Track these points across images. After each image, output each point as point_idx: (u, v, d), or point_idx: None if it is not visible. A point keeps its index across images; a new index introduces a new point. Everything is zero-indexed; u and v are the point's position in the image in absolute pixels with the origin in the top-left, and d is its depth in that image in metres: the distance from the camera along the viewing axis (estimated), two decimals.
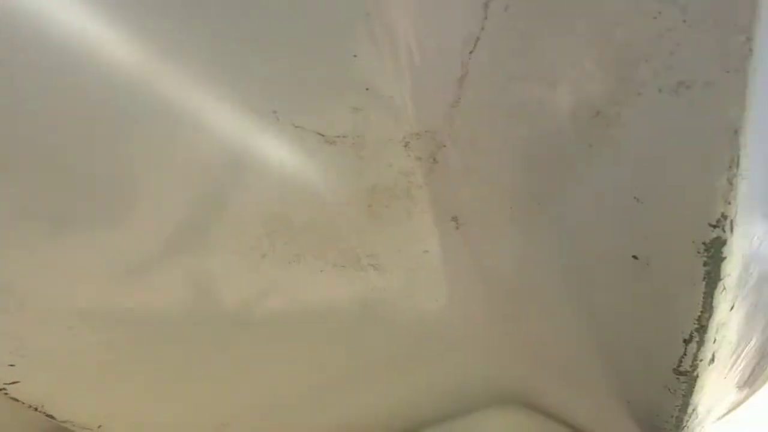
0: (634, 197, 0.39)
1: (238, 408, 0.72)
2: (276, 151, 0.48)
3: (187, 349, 0.67)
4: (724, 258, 0.38)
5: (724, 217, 0.36)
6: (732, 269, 0.40)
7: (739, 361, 0.66)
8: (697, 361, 0.48)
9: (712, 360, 0.50)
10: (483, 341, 0.74)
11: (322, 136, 0.48)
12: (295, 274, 0.57)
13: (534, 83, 0.39)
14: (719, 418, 1.42)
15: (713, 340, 0.47)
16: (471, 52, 0.40)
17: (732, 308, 0.46)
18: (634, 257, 0.43)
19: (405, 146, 0.51)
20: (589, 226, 0.45)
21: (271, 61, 0.43)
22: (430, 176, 0.53)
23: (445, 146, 0.50)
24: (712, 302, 0.42)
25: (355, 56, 0.44)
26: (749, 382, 1.03)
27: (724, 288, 0.41)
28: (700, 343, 0.46)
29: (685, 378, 0.50)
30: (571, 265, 0.51)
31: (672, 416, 0.58)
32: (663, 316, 0.46)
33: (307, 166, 0.50)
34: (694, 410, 0.59)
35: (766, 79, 0.32)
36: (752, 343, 0.69)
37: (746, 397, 1.38)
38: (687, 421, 0.61)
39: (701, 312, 0.43)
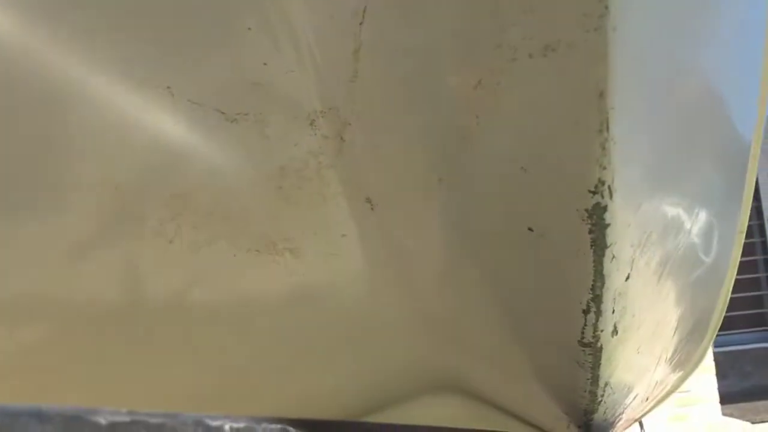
0: (521, 167, 0.40)
1: (161, 399, 0.71)
2: (173, 129, 0.47)
3: (110, 340, 0.65)
4: (608, 225, 0.39)
5: (602, 182, 0.36)
6: (617, 236, 0.40)
7: (655, 336, 0.67)
8: (598, 332, 0.49)
9: (615, 331, 0.51)
10: (408, 327, 0.74)
11: (222, 113, 0.48)
12: (206, 259, 0.57)
13: (419, 55, 0.39)
14: (656, 401, 1.45)
15: (611, 311, 0.48)
16: (361, 24, 0.40)
17: (628, 278, 0.47)
18: (530, 229, 0.44)
19: (311, 125, 0.51)
20: (487, 200, 0.46)
21: (161, 34, 0.43)
22: (340, 156, 0.53)
23: (350, 124, 0.50)
24: (602, 270, 0.42)
25: (249, 29, 0.43)
26: (679, 363, 1.06)
27: (614, 256, 0.42)
28: (598, 313, 0.47)
29: (590, 350, 0.51)
30: (474, 243, 0.51)
31: (585, 390, 0.59)
32: (562, 287, 0.47)
33: (209, 145, 0.50)
34: (606, 384, 0.60)
35: (636, 39, 0.33)
36: (669, 319, 0.70)
37: (681, 380, 1.41)
38: (602, 396, 0.62)
39: (593, 281, 0.43)
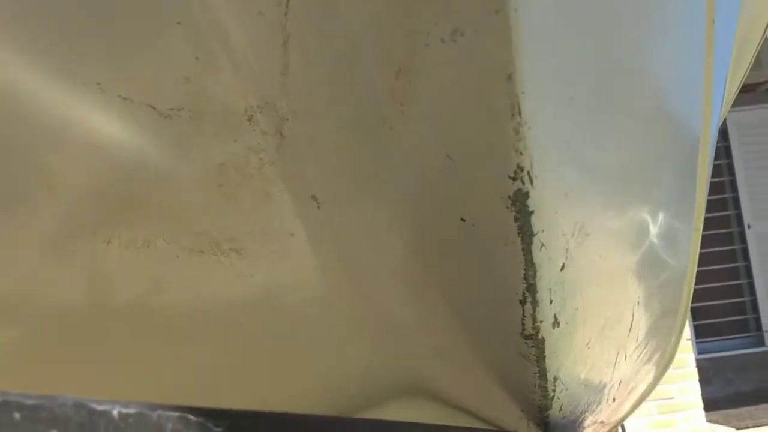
0: (447, 156, 0.40)
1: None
2: (105, 126, 0.47)
3: (68, 339, 0.65)
4: (532, 212, 0.39)
5: (520, 168, 0.36)
6: (544, 224, 0.40)
7: (606, 332, 0.67)
8: (538, 323, 0.49)
9: (557, 323, 0.51)
10: (365, 329, 0.74)
11: (154, 109, 0.47)
12: (146, 260, 0.56)
13: (342, 45, 0.39)
14: (630, 405, 1.45)
15: (549, 301, 0.48)
16: (285, 14, 0.40)
17: (563, 268, 0.47)
18: (462, 219, 0.44)
19: (249, 120, 0.51)
20: (420, 193, 0.46)
21: (87, 27, 0.42)
22: (281, 152, 0.53)
23: (288, 119, 0.50)
24: (533, 259, 0.43)
25: (178, 23, 0.43)
26: (644, 362, 1.06)
27: (543, 244, 0.42)
28: (534, 303, 0.47)
29: (532, 342, 0.51)
30: (416, 238, 0.51)
31: (535, 385, 0.59)
32: (498, 277, 0.47)
33: (143, 142, 0.49)
34: (556, 378, 0.60)
35: (544, 21, 0.33)
36: (621, 315, 0.70)
37: (653, 382, 1.41)
38: (554, 391, 0.62)
39: (525, 270, 0.43)
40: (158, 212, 0.53)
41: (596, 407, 0.94)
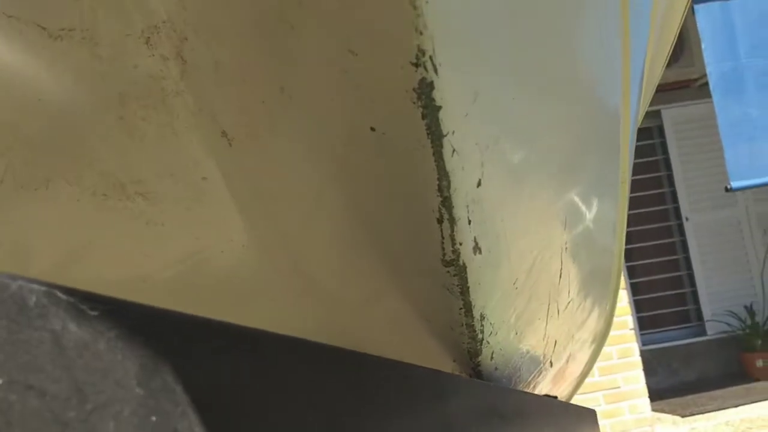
0: (349, 50, 0.37)
1: None
2: None
3: None
4: (440, 107, 0.37)
5: (422, 51, 0.34)
6: (454, 125, 0.39)
7: (534, 274, 0.66)
8: (457, 246, 0.47)
9: (478, 249, 0.49)
10: (292, 285, 0.71)
11: (44, 29, 0.44)
12: (44, 204, 0.52)
13: None
14: (572, 379, 1.46)
15: (467, 221, 0.46)
16: None
17: (479, 184, 0.45)
18: (372, 129, 0.42)
19: (146, 43, 0.47)
20: (327, 102, 0.43)
21: None
22: (185, 80, 0.50)
23: (187, 39, 0.47)
24: (445, 166, 0.41)
25: None
26: (580, 325, 1.06)
27: (454, 149, 0.40)
28: (452, 221, 0.45)
29: (454, 269, 0.49)
30: (328, 161, 0.49)
31: (462, 324, 0.57)
32: (414, 195, 0.45)
33: (33, 66, 0.46)
34: (483, 317, 0.58)
35: None
36: (550, 259, 0.69)
37: (595, 350, 1.42)
38: (482, 332, 0.61)
39: (438, 179, 0.42)
40: (58, 147, 0.49)
41: (533, 369, 0.94)
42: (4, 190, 0.50)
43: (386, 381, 0.47)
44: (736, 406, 5.19)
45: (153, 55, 0.48)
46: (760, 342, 6.40)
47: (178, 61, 0.49)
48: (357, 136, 0.43)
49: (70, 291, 0.25)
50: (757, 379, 6.14)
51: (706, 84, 4.70)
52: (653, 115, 6.66)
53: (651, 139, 6.86)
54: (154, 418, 0.27)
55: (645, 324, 6.66)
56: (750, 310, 6.59)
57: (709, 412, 5.21)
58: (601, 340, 1.37)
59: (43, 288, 0.24)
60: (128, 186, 0.54)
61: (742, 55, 4.38)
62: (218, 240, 0.62)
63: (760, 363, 6.29)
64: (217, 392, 0.30)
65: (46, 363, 0.23)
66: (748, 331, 6.50)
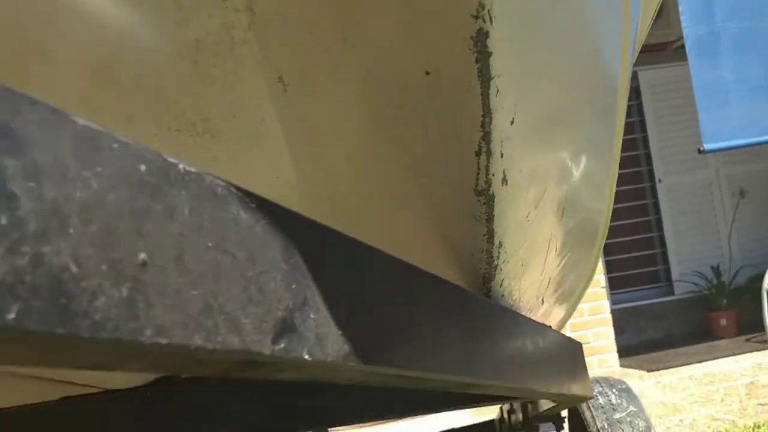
0: (414, 3, 0.45)
1: None
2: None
3: None
4: (491, 53, 0.45)
5: (482, 5, 0.42)
6: (501, 69, 0.47)
7: (541, 210, 0.75)
8: (490, 176, 0.56)
9: (505, 180, 0.58)
10: (332, 222, 0.79)
11: None
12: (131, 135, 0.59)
13: None
14: (557, 317, 1.56)
15: (500, 154, 0.54)
16: None
17: (513, 123, 0.54)
18: (427, 72, 0.50)
19: None
20: (388, 50, 0.51)
21: None
22: (252, 30, 0.57)
23: None
24: (489, 104, 0.49)
25: None
26: (569, 268, 1.16)
27: (498, 90, 0.48)
28: (489, 154, 0.53)
29: (484, 198, 0.58)
30: (381, 108, 0.57)
31: (482, 250, 0.66)
32: (457, 130, 0.53)
33: (124, 13, 0.53)
34: (501, 244, 0.67)
35: None
36: (553, 197, 0.78)
37: (577, 297, 1.53)
38: (497, 259, 0.69)
39: (483, 116, 0.50)
40: (142, 87, 0.56)
41: (530, 303, 1.04)
42: (97, 120, 0.57)
43: (427, 295, 0.56)
44: (700, 362, 5.43)
45: (226, 7, 0.55)
46: (725, 301, 6.66)
47: (247, 13, 0.56)
48: (412, 79, 0.51)
49: (236, 187, 0.33)
50: (721, 338, 6.41)
51: (683, 46, 4.80)
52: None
53: (627, 101, 6.98)
54: (294, 286, 0.35)
55: (615, 284, 6.88)
56: (717, 271, 6.83)
57: (674, 367, 5.44)
58: (584, 287, 1.47)
59: (223, 183, 0.32)
60: (198, 124, 0.62)
61: (718, 19, 4.49)
62: (267, 176, 0.70)
63: (723, 322, 6.56)
64: (329, 276, 0.39)
65: (233, 235, 0.32)
66: (714, 291, 6.75)
